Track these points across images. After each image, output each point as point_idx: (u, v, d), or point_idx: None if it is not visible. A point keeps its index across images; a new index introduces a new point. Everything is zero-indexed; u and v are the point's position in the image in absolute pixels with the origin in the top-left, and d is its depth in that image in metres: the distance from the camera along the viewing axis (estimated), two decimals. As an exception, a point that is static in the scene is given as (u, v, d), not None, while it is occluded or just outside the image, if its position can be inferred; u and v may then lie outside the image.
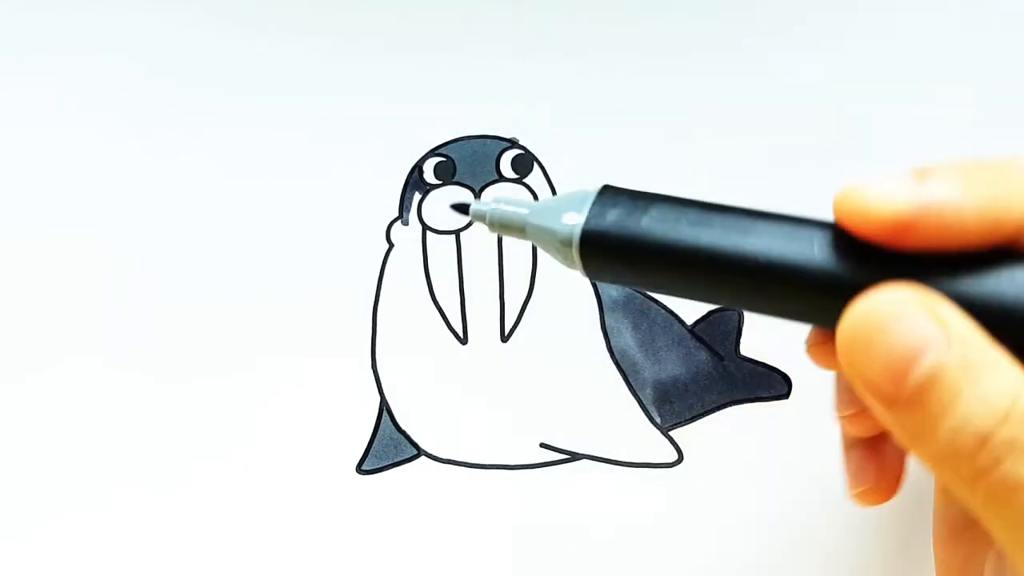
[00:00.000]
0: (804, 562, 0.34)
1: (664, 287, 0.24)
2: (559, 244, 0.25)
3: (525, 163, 0.35)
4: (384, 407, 0.35)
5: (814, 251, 0.22)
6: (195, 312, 0.35)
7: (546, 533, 0.34)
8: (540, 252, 0.35)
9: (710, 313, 0.35)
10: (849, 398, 0.26)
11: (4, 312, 0.35)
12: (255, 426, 0.34)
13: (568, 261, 0.25)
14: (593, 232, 0.24)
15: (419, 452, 0.34)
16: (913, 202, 0.20)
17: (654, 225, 0.24)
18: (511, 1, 0.36)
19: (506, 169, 0.35)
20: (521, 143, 0.35)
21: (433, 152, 0.35)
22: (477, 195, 0.35)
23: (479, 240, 0.35)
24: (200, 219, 0.35)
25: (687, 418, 0.34)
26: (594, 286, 0.35)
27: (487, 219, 0.27)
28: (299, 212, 0.35)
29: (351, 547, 0.34)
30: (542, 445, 0.34)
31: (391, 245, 0.35)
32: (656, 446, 0.34)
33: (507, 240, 0.35)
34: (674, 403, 0.34)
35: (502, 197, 0.27)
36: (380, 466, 0.34)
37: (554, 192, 0.35)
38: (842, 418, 0.26)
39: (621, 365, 0.34)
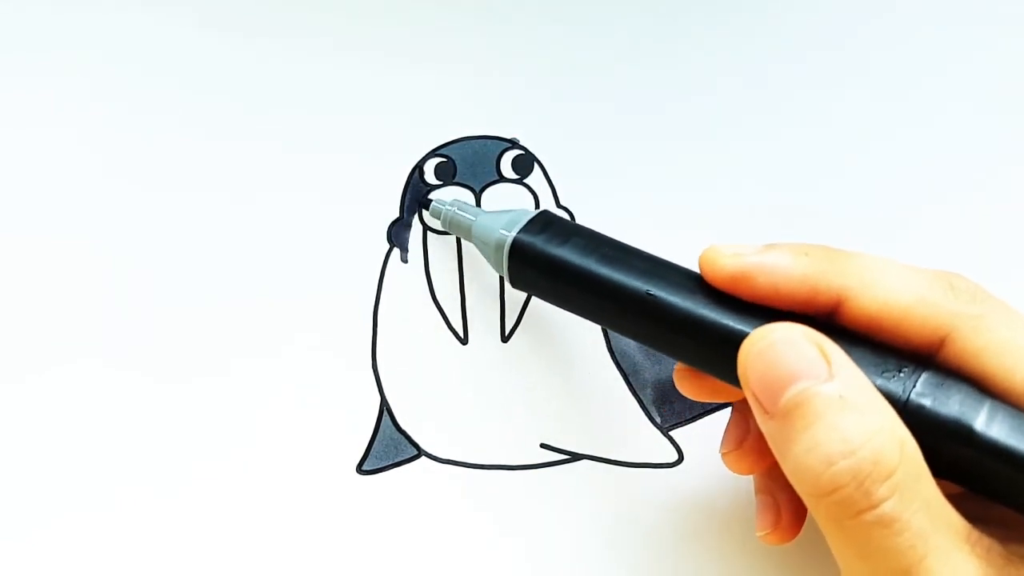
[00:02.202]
0: (805, 562, 0.34)
1: (569, 304, 0.29)
2: (493, 249, 0.30)
3: (525, 163, 0.35)
4: (384, 407, 0.35)
5: (680, 293, 0.26)
6: (195, 312, 0.35)
7: (546, 533, 0.34)
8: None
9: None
10: (729, 438, 0.30)
11: (3, 312, 0.35)
12: (255, 426, 0.34)
13: (498, 266, 0.30)
14: (520, 245, 0.29)
15: (419, 452, 0.34)
16: (752, 261, 0.26)
17: (569, 252, 0.28)
18: (512, 2, 0.36)
19: (506, 169, 0.35)
20: (521, 143, 0.35)
21: (433, 153, 0.35)
22: (478, 195, 0.35)
23: (480, 240, 0.35)
24: (200, 219, 0.35)
25: (687, 418, 0.34)
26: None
27: (442, 217, 0.33)
28: (300, 212, 0.35)
29: (351, 547, 0.34)
30: (542, 445, 0.34)
31: (392, 245, 0.35)
32: (656, 446, 0.34)
33: (507, 240, 0.35)
34: (674, 403, 0.34)
35: (457, 202, 0.33)
36: (380, 466, 0.34)
37: (554, 193, 0.35)
38: (723, 455, 0.30)
39: (621, 365, 0.34)
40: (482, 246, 0.32)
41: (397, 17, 0.35)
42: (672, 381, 0.34)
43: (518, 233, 0.30)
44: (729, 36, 0.36)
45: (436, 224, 0.35)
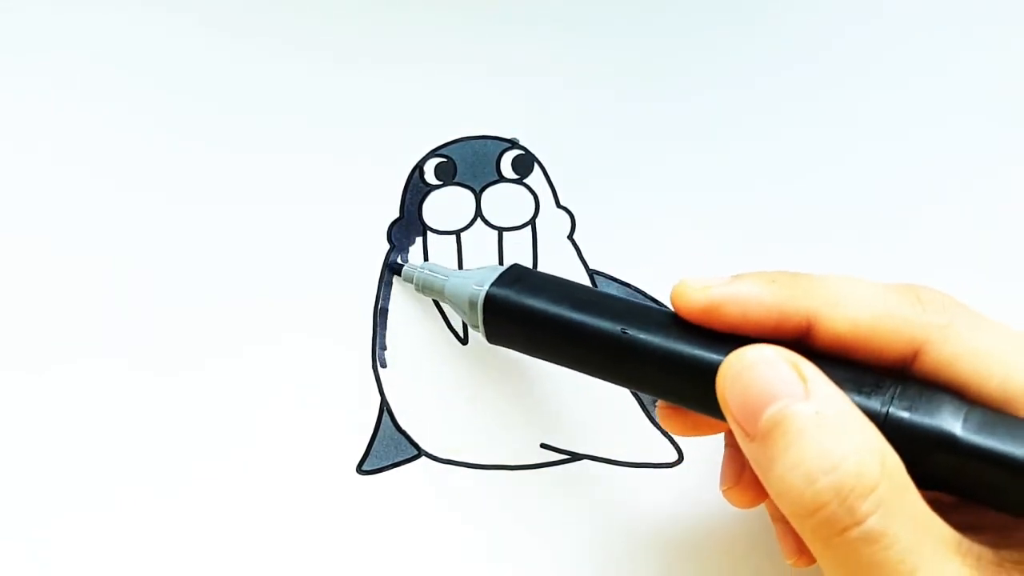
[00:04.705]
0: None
1: (547, 353, 0.30)
2: (468, 306, 0.30)
3: (525, 163, 0.35)
4: (384, 407, 0.35)
5: (654, 329, 0.27)
6: (195, 313, 0.35)
7: (546, 533, 0.34)
8: (540, 251, 0.35)
9: (710, 313, 0.35)
10: (727, 474, 0.30)
11: (4, 311, 0.35)
12: (255, 426, 0.34)
13: (474, 322, 0.31)
14: (494, 298, 0.30)
15: (419, 452, 0.35)
16: (722, 291, 0.26)
17: (542, 301, 0.29)
18: (511, 2, 0.36)
19: (506, 169, 0.35)
20: (521, 143, 0.35)
21: (433, 153, 0.35)
22: (478, 195, 0.35)
23: (480, 240, 0.35)
24: (200, 219, 0.35)
25: (687, 418, 0.34)
26: (594, 286, 0.35)
27: (414, 280, 0.33)
28: (300, 213, 0.35)
29: (351, 547, 0.34)
30: (542, 445, 0.34)
31: (392, 245, 0.35)
32: (656, 446, 0.34)
33: (507, 240, 0.35)
34: (674, 403, 0.34)
35: (428, 264, 0.34)
36: (380, 466, 0.34)
37: (554, 193, 0.35)
38: (723, 493, 0.30)
39: (621, 365, 0.34)
40: (456, 305, 0.32)
41: (397, 18, 0.35)
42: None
43: (490, 287, 0.30)
44: (729, 36, 0.36)
45: (435, 224, 0.35)
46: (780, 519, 0.30)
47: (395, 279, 0.35)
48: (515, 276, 0.30)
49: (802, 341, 0.26)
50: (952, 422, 0.23)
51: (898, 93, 0.36)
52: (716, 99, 0.36)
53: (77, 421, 0.34)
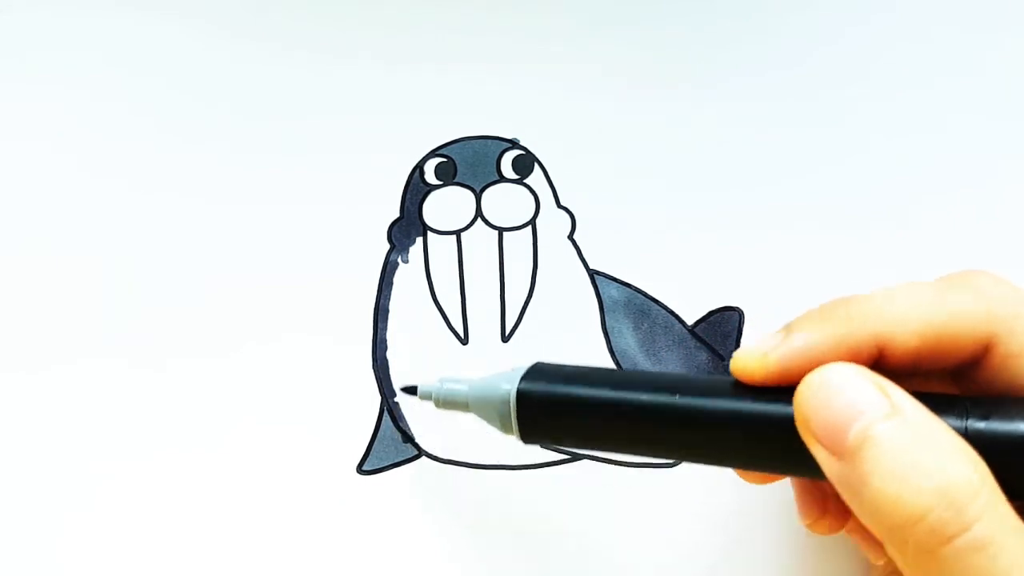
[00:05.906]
0: (805, 561, 0.34)
1: (593, 441, 0.28)
2: (498, 408, 0.28)
3: (526, 163, 0.35)
4: (384, 407, 0.35)
5: (706, 391, 0.25)
6: (196, 313, 0.35)
7: (546, 533, 0.34)
8: (540, 251, 0.35)
9: (710, 313, 0.35)
10: (807, 508, 0.29)
11: (8, 307, 0.35)
12: (255, 426, 0.34)
13: (505, 425, 0.28)
14: (526, 394, 0.27)
15: (419, 452, 0.35)
16: (782, 352, 0.25)
17: (579, 387, 0.27)
18: (511, 2, 0.36)
19: (507, 170, 0.35)
20: (521, 143, 0.35)
21: (434, 153, 0.35)
22: (478, 195, 0.35)
23: (480, 240, 0.35)
24: (201, 219, 0.35)
25: (687, 418, 0.34)
26: (594, 286, 0.35)
27: (434, 397, 0.30)
28: (301, 213, 0.35)
29: (351, 547, 0.34)
30: (542, 445, 0.34)
31: (392, 245, 0.35)
32: (656, 446, 0.34)
33: (508, 240, 0.35)
34: (674, 403, 0.34)
35: (446, 377, 0.30)
36: (380, 466, 0.34)
37: (555, 193, 0.35)
38: (808, 526, 0.29)
39: (622, 365, 0.35)
40: (483, 410, 0.29)
41: (397, 18, 0.35)
42: (672, 381, 0.34)
43: (521, 383, 0.27)
44: (729, 37, 0.36)
45: (436, 224, 0.35)
46: (856, 530, 0.29)
47: (394, 281, 0.35)
48: (539, 371, 0.28)
49: (876, 365, 0.25)
50: None
51: (898, 93, 0.36)
52: (716, 99, 0.36)
53: (77, 421, 0.34)
